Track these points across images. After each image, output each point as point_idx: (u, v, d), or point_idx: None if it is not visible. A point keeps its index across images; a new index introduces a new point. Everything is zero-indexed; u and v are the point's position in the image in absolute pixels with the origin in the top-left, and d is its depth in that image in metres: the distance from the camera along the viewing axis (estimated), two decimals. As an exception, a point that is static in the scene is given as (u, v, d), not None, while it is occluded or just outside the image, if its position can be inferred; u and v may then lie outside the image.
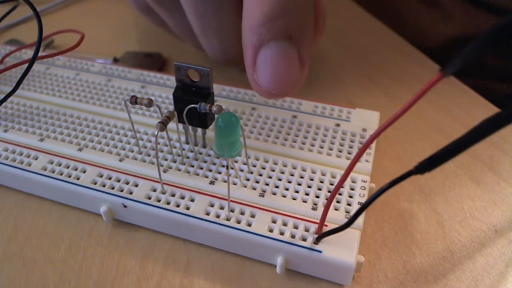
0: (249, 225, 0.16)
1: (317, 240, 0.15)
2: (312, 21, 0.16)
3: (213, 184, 0.17)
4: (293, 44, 0.15)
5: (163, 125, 0.15)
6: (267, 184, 0.17)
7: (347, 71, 0.27)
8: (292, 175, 0.17)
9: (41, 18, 0.19)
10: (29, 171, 0.18)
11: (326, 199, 0.16)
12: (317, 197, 0.17)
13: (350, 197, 0.17)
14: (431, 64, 0.27)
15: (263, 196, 0.16)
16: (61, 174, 0.18)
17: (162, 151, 0.18)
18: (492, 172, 0.20)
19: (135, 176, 0.17)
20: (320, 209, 0.16)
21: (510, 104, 0.09)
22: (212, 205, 0.16)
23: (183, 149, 0.18)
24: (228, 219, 0.16)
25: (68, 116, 0.21)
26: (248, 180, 0.17)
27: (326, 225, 0.15)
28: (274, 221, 0.16)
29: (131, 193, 0.17)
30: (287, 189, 0.17)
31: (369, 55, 0.28)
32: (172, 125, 0.17)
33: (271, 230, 0.15)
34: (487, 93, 0.24)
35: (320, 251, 0.15)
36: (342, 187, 0.17)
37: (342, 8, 0.35)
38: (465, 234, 0.17)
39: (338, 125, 0.20)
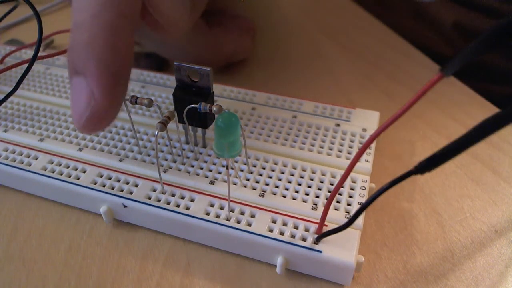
0: (249, 225, 0.16)
1: (317, 240, 0.15)
2: (104, 53, 0.15)
3: (213, 184, 0.17)
4: (80, 76, 0.15)
5: (163, 125, 0.15)
6: (267, 184, 0.17)
7: (347, 71, 0.27)
8: (292, 175, 0.17)
9: (41, 18, 0.19)
10: (29, 171, 0.18)
11: (326, 199, 0.16)
12: (317, 197, 0.17)
13: (350, 197, 0.17)
14: (431, 64, 0.27)
15: (263, 196, 0.16)
16: (61, 174, 0.18)
17: (162, 151, 0.18)
18: (492, 172, 0.20)
19: (135, 176, 0.17)
20: (320, 209, 0.16)
21: (510, 104, 0.09)
22: (212, 205, 0.16)
23: (183, 149, 0.18)
24: (228, 219, 0.16)
25: (68, 116, 0.20)
26: (248, 180, 0.17)
27: (326, 225, 0.15)
28: (274, 221, 0.16)
29: (131, 193, 0.17)
30: (287, 189, 0.17)
31: (369, 55, 0.28)
32: (172, 125, 0.17)
33: (271, 230, 0.15)
34: (486, 95, 0.24)
35: (320, 251, 0.15)
36: (342, 187, 0.17)
37: (342, 8, 0.35)
38: (465, 234, 0.17)
39: (338, 125, 0.20)
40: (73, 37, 0.15)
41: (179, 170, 0.18)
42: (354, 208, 0.16)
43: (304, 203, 0.16)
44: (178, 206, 0.16)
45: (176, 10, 0.17)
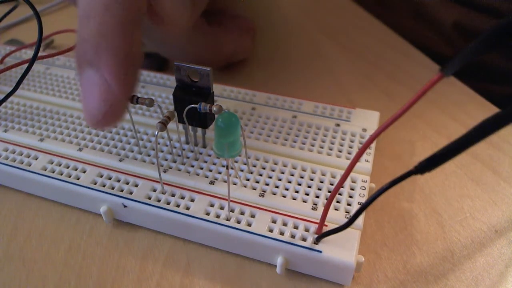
0: (249, 225, 0.16)
1: (317, 240, 0.15)
2: (117, 42, 0.15)
3: (213, 184, 0.17)
4: (93, 68, 0.15)
5: (163, 125, 0.15)
6: (267, 184, 0.17)
7: (347, 71, 0.27)
8: (292, 175, 0.17)
9: (41, 18, 0.19)
10: (29, 171, 0.18)
11: (326, 199, 0.16)
12: (317, 197, 0.17)
13: (350, 197, 0.17)
14: (431, 64, 0.27)
15: (263, 196, 0.16)
16: (61, 174, 0.18)
17: (162, 151, 0.18)
18: (492, 172, 0.20)
19: (135, 176, 0.17)
20: (320, 209, 0.16)
21: (510, 104, 0.09)
22: (212, 205, 0.16)
23: (183, 149, 0.18)
24: (228, 219, 0.16)
25: (68, 116, 0.21)
26: (248, 180, 0.17)
27: (326, 225, 0.15)
28: (274, 221, 0.16)
29: (131, 193, 0.17)
30: (287, 189, 0.17)
31: (369, 55, 0.28)
32: (172, 125, 0.17)
33: (271, 230, 0.15)
34: (486, 95, 0.24)
35: (320, 251, 0.15)
36: (342, 187, 0.17)
37: (342, 8, 0.35)
38: (465, 234, 0.17)
39: (338, 125, 0.20)
40: (84, 29, 0.15)
41: (179, 170, 0.18)
42: (354, 208, 0.16)
43: (304, 203, 0.16)
44: (178, 206, 0.16)
45: (178, 4, 0.17)
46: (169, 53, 0.24)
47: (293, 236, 0.15)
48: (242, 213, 0.16)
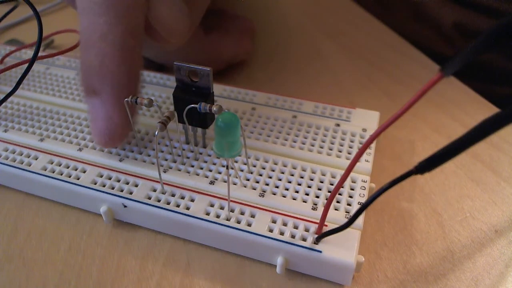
0: (249, 225, 0.16)
1: (317, 240, 0.15)
2: (117, 71, 0.16)
3: (213, 184, 0.17)
4: (97, 97, 0.16)
5: (163, 125, 0.15)
6: (267, 184, 0.17)
7: (347, 71, 0.27)
8: (292, 175, 0.17)
9: (41, 18, 0.19)
10: (29, 171, 0.18)
11: (326, 199, 0.16)
12: (317, 197, 0.17)
13: (350, 197, 0.17)
14: (431, 64, 0.27)
15: (263, 196, 0.16)
16: (61, 174, 0.18)
17: (162, 151, 0.18)
18: (492, 172, 0.20)
19: (135, 176, 0.17)
20: (320, 209, 0.16)
21: (510, 104, 0.09)
22: (212, 205, 0.16)
23: (183, 149, 0.18)
24: (228, 219, 0.16)
25: (68, 116, 0.21)
26: (248, 180, 0.17)
27: (326, 225, 0.15)
28: (274, 221, 0.16)
29: (131, 193, 0.17)
30: (287, 189, 0.17)
31: (369, 55, 0.28)
32: (172, 125, 0.17)
33: (271, 230, 0.15)
34: (486, 95, 0.24)
35: (320, 251, 0.15)
36: (342, 187, 0.17)
37: (342, 8, 0.35)
38: (465, 234, 0.17)
39: (338, 125, 0.20)
40: (85, 59, 0.16)
41: (179, 170, 0.18)
42: (354, 208, 0.16)
43: (304, 203, 0.16)
44: (178, 206, 0.16)
45: (175, 19, 0.17)
46: (167, 61, 0.24)
47: (293, 236, 0.15)
48: (242, 213, 0.16)
